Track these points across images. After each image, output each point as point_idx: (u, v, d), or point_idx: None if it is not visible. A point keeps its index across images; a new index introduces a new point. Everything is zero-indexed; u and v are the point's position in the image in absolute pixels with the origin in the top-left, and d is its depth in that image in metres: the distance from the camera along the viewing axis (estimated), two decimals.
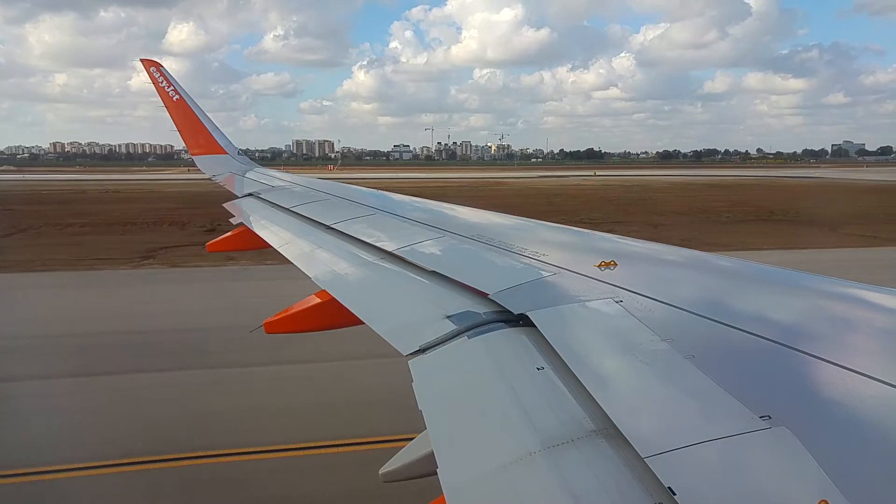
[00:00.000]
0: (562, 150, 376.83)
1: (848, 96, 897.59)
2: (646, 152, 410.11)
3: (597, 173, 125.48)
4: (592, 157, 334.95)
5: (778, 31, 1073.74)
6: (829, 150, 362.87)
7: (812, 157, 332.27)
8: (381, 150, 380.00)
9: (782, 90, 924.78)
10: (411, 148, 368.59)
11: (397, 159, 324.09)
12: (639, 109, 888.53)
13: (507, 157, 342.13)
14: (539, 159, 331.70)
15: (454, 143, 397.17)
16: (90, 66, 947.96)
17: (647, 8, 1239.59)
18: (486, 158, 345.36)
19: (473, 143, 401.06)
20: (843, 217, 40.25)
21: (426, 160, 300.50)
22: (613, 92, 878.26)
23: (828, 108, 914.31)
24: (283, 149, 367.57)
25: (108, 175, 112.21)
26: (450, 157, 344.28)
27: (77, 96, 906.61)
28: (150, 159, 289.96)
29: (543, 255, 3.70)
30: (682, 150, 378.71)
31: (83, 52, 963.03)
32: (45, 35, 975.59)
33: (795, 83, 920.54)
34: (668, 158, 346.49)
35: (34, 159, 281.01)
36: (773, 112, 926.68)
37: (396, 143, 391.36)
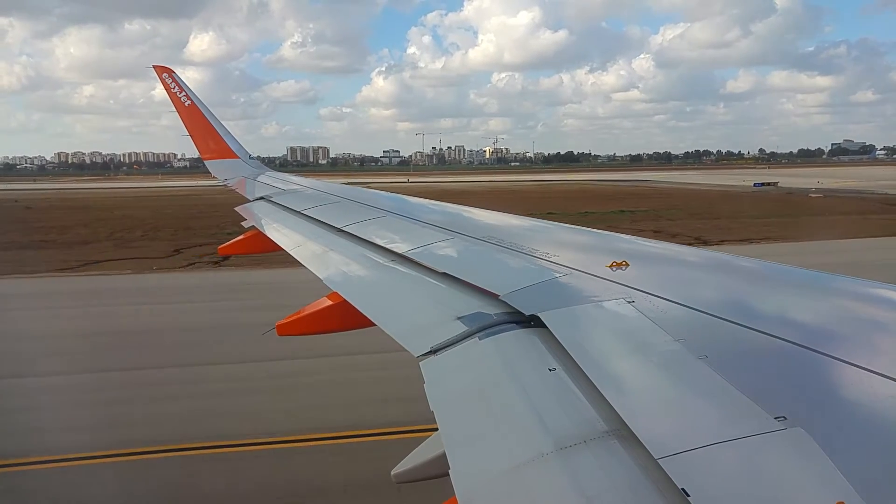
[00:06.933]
0: (556, 154, 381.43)
1: (877, 94, 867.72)
2: (637, 154, 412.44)
3: (410, 179, 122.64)
4: (567, 160, 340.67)
5: (803, 28, 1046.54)
6: (828, 149, 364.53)
7: (809, 156, 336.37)
8: (374, 155, 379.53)
9: (809, 88, 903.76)
10: (401, 154, 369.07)
11: (386, 165, 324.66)
12: (660, 111, 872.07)
13: (498, 161, 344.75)
14: (517, 163, 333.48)
15: (448, 147, 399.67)
16: (115, 78, 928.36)
17: (666, 8, 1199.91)
18: (474, 163, 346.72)
19: (467, 148, 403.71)
20: None
21: (400, 165, 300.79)
22: (634, 94, 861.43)
23: (856, 106, 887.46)
24: (285, 154, 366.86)
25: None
26: (439, 161, 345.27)
27: (103, 107, 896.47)
28: (130, 168, 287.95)
29: (554, 255, 3.68)
30: (683, 151, 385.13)
31: (109, 64, 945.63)
32: (72, 48, 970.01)
33: (822, 81, 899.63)
34: (637, 160, 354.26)
35: (9, 169, 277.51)
36: (798, 111, 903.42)
37: (386, 149, 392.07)
